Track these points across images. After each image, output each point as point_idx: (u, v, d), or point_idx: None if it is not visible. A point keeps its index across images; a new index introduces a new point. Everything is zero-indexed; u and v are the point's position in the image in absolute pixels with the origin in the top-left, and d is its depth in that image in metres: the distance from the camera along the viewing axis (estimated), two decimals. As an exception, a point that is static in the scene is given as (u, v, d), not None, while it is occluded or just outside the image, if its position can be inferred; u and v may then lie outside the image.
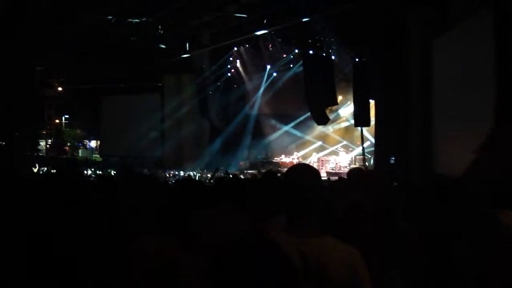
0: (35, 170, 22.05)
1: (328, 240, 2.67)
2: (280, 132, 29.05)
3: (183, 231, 3.70)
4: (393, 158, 17.38)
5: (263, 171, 17.61)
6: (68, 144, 33.69)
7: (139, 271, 3.00)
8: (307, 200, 2.69)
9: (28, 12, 18.95)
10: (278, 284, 2.10)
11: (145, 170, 22.45)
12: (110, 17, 20.20)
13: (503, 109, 10.78)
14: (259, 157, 28.82)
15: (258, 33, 20.82)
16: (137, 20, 20.63)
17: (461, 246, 4.10)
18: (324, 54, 22.05)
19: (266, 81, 27.94)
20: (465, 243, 4.09)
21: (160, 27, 21.73)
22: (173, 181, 13.91)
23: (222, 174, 21.79)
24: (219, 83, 27.66)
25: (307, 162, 26.28)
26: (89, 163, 28.32)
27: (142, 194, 3.58)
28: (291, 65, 26.46)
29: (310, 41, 21.96)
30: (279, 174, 6.23)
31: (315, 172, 2.85)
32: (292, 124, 28.57)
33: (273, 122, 28.94)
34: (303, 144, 28.76)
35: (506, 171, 10.15)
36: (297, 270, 2.52)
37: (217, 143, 27.17)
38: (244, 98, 29.04)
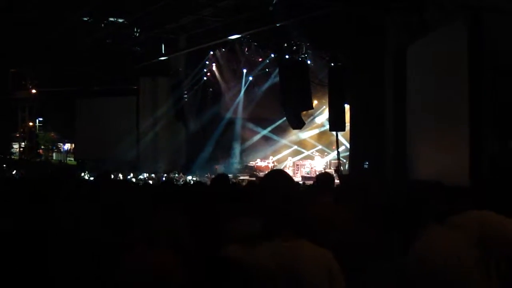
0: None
1: (303, 243, 2.69)
2: (256, 136, 29.05)
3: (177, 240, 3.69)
4: (367, 163, 17.50)
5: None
6: (42, 147, 33.37)
7: (134, 284, 2.93)
8: (283, 206, 2.71)
9: (2, 12, 18.80)
10: None
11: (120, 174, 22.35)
12: (86, 18, 20.04)
13: (476, 115, 10.93)
14: (235, 161, 28.79)
15: (234, 37, 20.82)
16: (112, 20, 20.47)
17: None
18: (300, 59, 22.12)
19: (243, 85, 27.93)
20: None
21: (136, 29, 21.60)
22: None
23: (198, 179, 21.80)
24: (195, 87, 27.58)
25: (282, 166, 26.43)
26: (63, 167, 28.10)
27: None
28: (267, 70, 26.51)
29: (286, 45, 22.03)
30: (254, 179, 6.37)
31: (290, 178, 2.89)
32: (269, 128, 28.61)
33: (249, 126, 28.90)
34: (279, 148, 28.80)
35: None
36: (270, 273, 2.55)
37: (193, 146, 27.14)
38: (220, 102, 28.99)
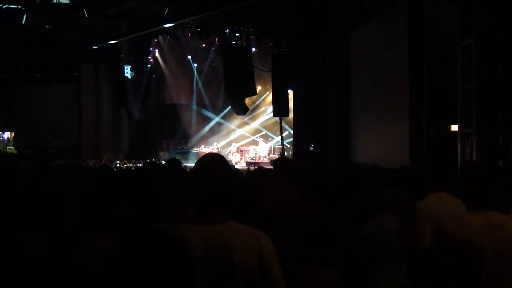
0: None
1: (232, 224, 2.75)
2: (201, 122, 29.05)
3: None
4: (313, 145, 17.72)
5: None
6: (-21, 136, 32.46)
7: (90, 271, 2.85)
8: (213, 190, 2.74)
9: None
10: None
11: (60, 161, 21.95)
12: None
13: (416, 100, 11.23)
14: (179, 147, 28.70)
15: (176, 23, 20.68)
16: (54, 2, 19.99)
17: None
18: (243, 45, 22.16)
19: (186, 71, 27.85)
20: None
21: (77, 14, 21.14)
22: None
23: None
24: (139, 73, 27.31)
25: (226, 152, 26.51)
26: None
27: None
28: (211, 56, 26.50)
29: (229, 31, 22.01)
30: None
31: (223, 162, 2.91)
32: (215, 114, 28.73)
33: (194, 112, 28.86)
34: (223, 134, 28.85)
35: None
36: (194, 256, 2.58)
37: (136, 133, 26.98)
38: (164, 88, 28.83)
